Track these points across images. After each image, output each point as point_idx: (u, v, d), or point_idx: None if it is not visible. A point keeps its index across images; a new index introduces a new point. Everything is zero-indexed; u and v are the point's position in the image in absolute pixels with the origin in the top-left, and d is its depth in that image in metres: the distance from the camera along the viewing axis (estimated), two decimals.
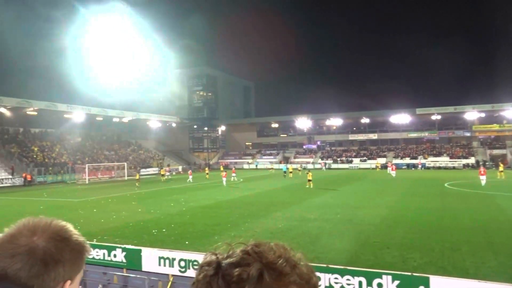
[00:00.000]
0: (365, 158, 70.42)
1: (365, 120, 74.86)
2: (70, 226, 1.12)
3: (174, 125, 78.86)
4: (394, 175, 44.77)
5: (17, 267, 0.98)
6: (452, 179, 39.51)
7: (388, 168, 51.11)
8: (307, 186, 33.49)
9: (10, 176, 44.85)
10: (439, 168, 61.92)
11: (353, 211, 20.44)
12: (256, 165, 73.43)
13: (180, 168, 68.85)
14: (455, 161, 63.93)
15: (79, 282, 1.11)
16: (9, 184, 43.36)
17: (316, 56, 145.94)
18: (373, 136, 75.84)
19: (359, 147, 76.61)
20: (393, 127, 74.99)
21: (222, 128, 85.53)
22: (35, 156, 51.23)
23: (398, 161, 67.05)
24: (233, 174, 44.20)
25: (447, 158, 65.53)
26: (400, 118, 70.86)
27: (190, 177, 44.25)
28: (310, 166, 69.25)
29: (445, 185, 34.41)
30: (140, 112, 69.45)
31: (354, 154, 73.55)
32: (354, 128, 79.98)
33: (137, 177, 42.20)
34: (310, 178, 34.74)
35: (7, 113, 51.69)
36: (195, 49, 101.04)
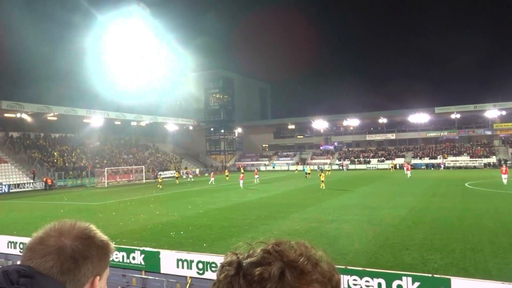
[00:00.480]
0: (383, 158, 69.58)
1: (382, 120, 73.99)
2: (93, 226, 1.20)
3: (191, 128, 79.45)
4: (409, 175, 44.62)
5: (49, 265, 1.05)
6: (473, 179, 38.68)
7: (404, 168, 50.93)
8: (321, 187, 33.53)
9: (32, 181, 45.86)
10: (459, 167, 60.72)
11: (372, 212, 20.19)
12: (273, 167, 73.23)
13: (197, 170, 69.27)
14: (476, 160, 62.60)
15: (106, 279, 1.18)
16: (30, 189, 44.34)
17: (332, 56, 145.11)
18: (391, 136, 74.88)
19: (377, 147, 75.76)
20: (411, 127, 73.92)
21: (238, 130, 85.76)
22: (55, 161, 52.28)
23: (417, 161, 66.05)
24: (256, 176, 44.27)
25: (468, 158, 64.21)
26: (419, 117, 69.80)
27: (212, 179, 45.00)
28: (327, 167, 68.89)
29: (466, 184, 33.70)
30: (157, 115, 70.17)
31: (371, 154, 72.75)
32: (372, 128, 79.18)
33: (160, 179, 43.18)
34: (323, 179, 35.04)
35: (28, 119, 52.92)
36: (212, 51, 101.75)
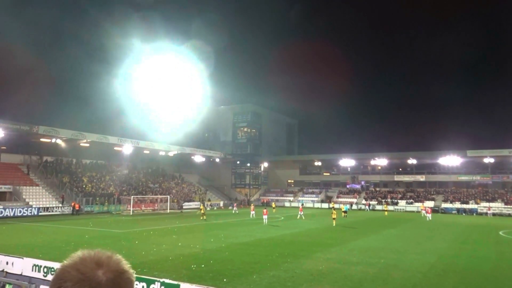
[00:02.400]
0: (411, 200, 67.58)
1: (412, 161, 72.38)
2: (125, 263, 1.20)
3: (217, 160, 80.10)
4: (429, 218, 44.61)
5: None
6: (508, 227, 36.84)
7: (423, 211, 51.39)
8: (333, 225, 34.69)
9: (60, 205, 46.88)
10: (494, 214, 58.09)
11: (399, 256, 19.43)
12: (302, 204, 70.54)
13: (221, 203, 69.17)
14: (511, 208, 59.82)
15: None
16: (58, 212, 45.27)
17: (362, 94, 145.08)
18: (421, 178, 72.94)
19: (406, 188, 73.82)
20: (442, 169, 71.90)
21: (264, 164, 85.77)
22: (84, 186, 53.48)
23: (448, 205, 63.77)
24: (300, 213, 43.52)
25: (502, 204, 61.47)
26: (450, 160, 67.94)
27: (253, 212, 44.22)
28: (354, 206, 67.43)
29: (500, 233, 32.11)
30: (185, 146, 71.29)
31: (399, 196, 70.86)
32: (400, 169, 77.48)
33: (203, 210, 42.61)
34: (334, 216, 36.02)
35: (62, 144, 54.81)
36: (241, 86, 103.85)
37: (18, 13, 71.48)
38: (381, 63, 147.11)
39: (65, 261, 1.14)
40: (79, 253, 1.15)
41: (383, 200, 68.77)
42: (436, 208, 62.27)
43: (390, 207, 64.53)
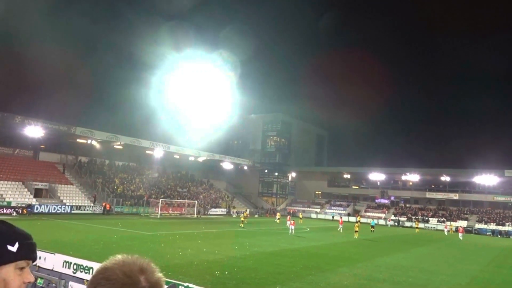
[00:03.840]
0: (443, 219, 65.35)
1: (445, 178, 70.11)
2: (156, 270, 1.19)
3: (245, 168, 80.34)
4: (461, 237, 44.24)
5: None
6: None
7: (445, 230, 52.38)
8: (355, 237, 36.06)
9: (92, 204, 48.24)
10: None
11: (428, 276, 18.79)
12: (333, 216, 68.85)
13: (247, 211, 69.24)
14: None
15: None
16: (90, 211, 46.58)
17: (395, 107, 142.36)
18: (454, 196, 70.46)
19: (438, 206, 71.49)
20: (477, 188, 69.24)
21: (292, 174, 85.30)
22: (115, 187, 54.84)
23: (482, 225, 61.28)
24: (340, 226, 43.71)
25: None
26: (486, 179, 65.35)
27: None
28: (382, 221, 65.90)
29: None
30: (214, 153, 71.99)
31: (431, 213, 68.67)
32: (433, 186, 75.15)
33: (245, 214, 43.07)
34: (357, 229, 37.56)
35: (97, 145, 56.56)
36: (273, 95, 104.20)
37: (59, 17, 74.78)
38: (416, 75, 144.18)
39: (107, 262, 1.16)
40: (120, 256, 1.17)
41: (414, 217, 66.87)
42: (470, 228, 59.97)
43: (421, 225, 62.73)
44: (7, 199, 41.01)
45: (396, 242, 35.77)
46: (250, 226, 41.60)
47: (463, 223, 61.71)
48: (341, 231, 41.91)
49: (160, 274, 1.19)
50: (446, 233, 51.75)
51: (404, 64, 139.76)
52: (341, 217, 50.13)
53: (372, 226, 45.62)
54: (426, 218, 66.48)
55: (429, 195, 72.92)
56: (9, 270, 1.27)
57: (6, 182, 43.86)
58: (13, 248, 1.27)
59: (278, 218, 50.69)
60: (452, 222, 61.75)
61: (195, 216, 53.87)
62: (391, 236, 42.80)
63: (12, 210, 38.99)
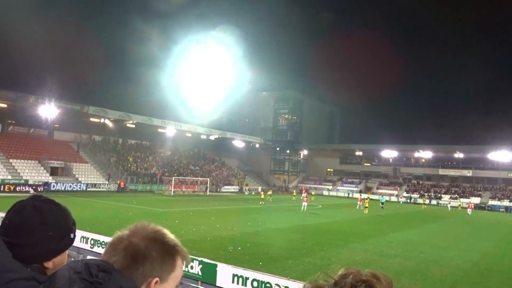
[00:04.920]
0: (456, 195, 65.04)
1: (458, 155, 69.37)
2: (165, 231, 1.25)
3: (257, 145, 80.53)
4: (470, 212, 45.75)
5: (114, 259, 1.14)
6: None
7: (448, 205, 53.97)
8: (364, 212, 37.53)
9: (107, 182, 49.11)
10: None
11: (440, 252, 18.89)
12: (348, 193, 69.51)
13: (259, 188, 69.78)
14: None
15: (173, 285, 1.20)
16: (105, 189, 47.49)
17: (408, 83, 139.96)
18: (467, 173, 69.88)
19: (450, 183, 71.07)
20: (490, 165, 68.47)
21: (304, 152, 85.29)
22: (129, 166, 55.62)
23: (495, 202, 60.90)
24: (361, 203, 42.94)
25: None
26: (500, 155, 64.49)
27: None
28: (394, 198, 65.93)
29: None
30: (226, 131, 72.20)
31: (443, 190, 68.36)
32: (446, 163, 74.53)
33: (263, 195, 43.35)
34: (366, 205, 38.87)
35: (110, 124, 57.12)
36: (284, 72, 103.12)
37: None
38: (428, 52, 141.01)
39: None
40: (128, 226, 1.23)
41: (426, 194, 66.70)
42: (483, 205, 59.73)
43: (434, 202, 62.58)
44: (24, 177, 41.98)
45: (407, 219, 35.85)
46: (266, 203, 42.06)
47: (476, 200, 61.40)
48: (361, 208, 41.89)
49: (157, 235, 1.21)
50: (449, 208, 52.89)
51: (419, 41, 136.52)
52: (360, 195, 50.46)
53: (382, 203, 45.68)
54: (439, 195, 66.23)
55: (442, 172, 72.44)
56: (64, 255, 1.34)
57: (22, 160, 44.80)
58: (72, 236, 1.36)
59: (294, 195, 51.50)
60: (464, 199, 61.52)
61: (205, 194, 54.53)
62: (402, 212, 42.87)
63: (30, 187, 39.95)
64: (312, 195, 56.45)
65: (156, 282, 1.14)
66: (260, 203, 41.30)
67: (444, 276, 14.16)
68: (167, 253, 1.18)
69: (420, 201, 62.75)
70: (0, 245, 1.21)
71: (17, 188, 39.12)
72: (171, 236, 1.24)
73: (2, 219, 1.33)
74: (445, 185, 70.37)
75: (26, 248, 1.26)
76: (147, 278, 1.13)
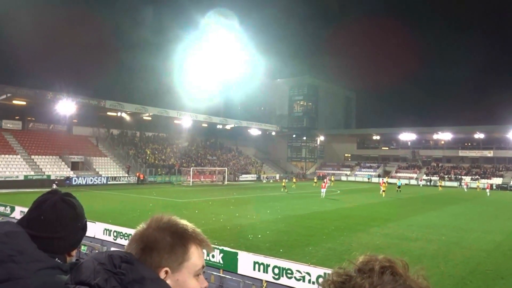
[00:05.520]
0: (477, 177, 63.89)
1: (479, 135, 67.89)
2: (179, 220, 1.23)
3: (273, 133, 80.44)
4: (488, 193, 45.55)
5: (127, 248, 1.19)
6: None
7: (464, 186, 54.14)
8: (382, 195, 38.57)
9: (126, 175, 49.91)
10: None
11: (461, 234, 18.68)
12: (369, 178, 68.79)
13: (277, 176, 69.92)
14: None
15: (188, 275, 1.18)
16: (125, 182, 48.29)
17: (424, 64, 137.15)
18: (488, 154, 68.45)
19: (471, 164, 69.79)
20: None
21: (321, 138, 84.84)
22: (147, 158, 56.34)
23: None
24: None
25: None
26: None
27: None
28: (413, 181, 65.25)
29: None
30: (241, 119, 72.26)
31: (464, 172, 67.22)
32: (466, 144, 73.11)
33: (284, 183, 44.02)
34: (384, 189, 39.59)
35: (127, 117, 57.82)
36: (298, 57, 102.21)
37: None
38: (445, 30, 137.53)
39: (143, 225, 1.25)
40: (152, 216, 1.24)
41: (446, 176, 65.73)
42: (505, 185, 58.58)
43: (454, 183, 61.62)
44: (46, 173, 42.99)
45: (428, 201, 35.43)
46: (290, 190, 42.15)
47: (498, 181, 60.25)
48: (383, 194, 41.09)
49: (178, 225, 1.22)
50: (465, 189, 52.76)
51: (435, 20, 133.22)
52: (382, 179, 49.84)
53: (398, 186, 45.25)
54: (459, 177, 65.18)
55: (462, 153, 71.15)
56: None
57: (44, 156, 45.83)
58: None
59: (315, 182, 51.86)
60: (485, 180, 60.39)
61: (225, 183, 54.91)
62: (422, 195, 42.40)
63: (53, 183, 40.92)
64: (332, 181, 56.29)
65: (166, 272, 1.14)
66: (282, 190, 41.60)
67: (466, 258, 14.02)
68: (177, 241, 1.17)
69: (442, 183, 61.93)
70: (25, 237, 1.28)
71: (40, 184, 40.13)
72: (184, 224, 1.22)
73: (27, 214, 1.39)
74: (465, 167, 69.18)
75: (59, 240, 1.36)
76: (155, 269, 1.13)
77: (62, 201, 1.43)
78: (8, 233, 1.27)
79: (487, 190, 47.39)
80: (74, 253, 1.44)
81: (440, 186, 56.37)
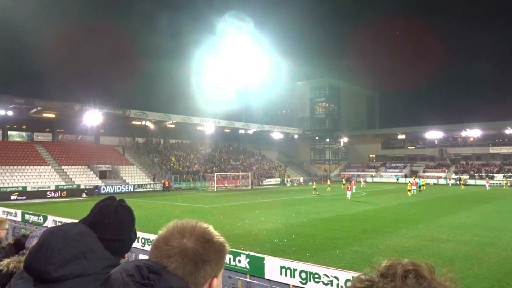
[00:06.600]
0: (510, 174, 61.72)
1: (510, 131, 65.63)
2: (211, 228, 1.27)
3: (296, 136, 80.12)
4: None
5: (174, 266, 1.14)
6: None
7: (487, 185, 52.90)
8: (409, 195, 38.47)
9: (152, 182, 50.66)
10: None
11: (495, 234, 18.03)
12: (397, 179, 67.27)
13: (301, 179, 69.51)
14: None
15: (221, 278, 1.25)
16: (151, 189, 49.02)
17: (448, 60, 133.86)
18: None
19: (503, 161, 67.48)
20: None
21: (344, 139, 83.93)
22: (172, 165, 57.05)
23: None
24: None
25: None
26: None
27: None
28: (442, 181, 63.67)
29: None
30: (263, 123, 72.31)
31: (496, 169, 65.05)
32: (496, 140, 70.80)
33: (314, 185, 44.28)
34: (409, 188, 39.84)
35: (151, 126, 58.81)
36: (319, 59, 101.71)
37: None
38: (472, 25, 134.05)
39: (160, 232, 1.24)
40: (169, 225, 1.24)
41: (477, 174, 63.78)
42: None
43: (490, 181, 59.78)
44: (76, 182, 44.10)
45: (458, 201, 34.45)
46: (322, 193, 41.84)
47: None
48: (414, 193, 40.91)
49: (208, 235, 1.22)
50: (487, 187, 51.82)
51: (457, 16, 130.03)
52: (414, 178, 48.68)
53: (420, 186, 44.37)
54: (491, 174, 63.10)
55: (492, 150, 68.92)
56: None
57: (73, 166, 47.06)
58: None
59: (329, 185, 48.92)
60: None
61: (250, 187, 54.96)
62: (452, 195, 41.27)
63: (83, 192, 41.94)
64: (361, 182, 55.33)
65: (214, 281, 1.19)
66: (313, 193, 41.53)
67: (501, 259, 13.51)
68: (219, 252, 1.22)
69: (471, 182, 60.19)
70: (94, 237, 1.42)
71: (70, 193, 41.19)
72: (217, 233, 1.27)
73: (91, 218, 1.53)
74: (497, 164, 66.96)
75: (120, 242, 1.51)
76: (207, 280, 1.18)
77: (122, 207, 1.57)
78: (81, 232, 1.41)
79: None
80: (126, 256, 1.58)
81: (463, 185, 54.83)
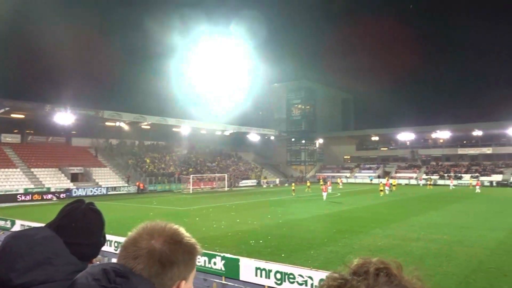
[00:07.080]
0: (477, 174, 63.86)
1: (477, 133, 67.92)
2: (182, 230, 1.25)
3: (272, 138, 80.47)
4: (478, 190, 45.38)
5: (140, 267, 1.12)
6: None
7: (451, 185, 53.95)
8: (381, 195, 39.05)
9: (126, 184, 49.79)
10: None
11: (464, 232, 18.65)
12: (371, 179, 69.04)
13: (277, 180, 69.83)
14: None
15: (192, 281, 1.23)
16: (125, 192, 48.14)
17: (420, 64, 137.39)
18: (487, 151, 68.42)
19: (470, 162, 69.79)
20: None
21: (320, 141, 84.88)
22: (147, 167, 56.26)
23: None
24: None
25: None
26: None
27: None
28: (413, 181, 65.28)
29: None
30: (240, 125, 72.30)
31: (464, 169, 67.20)
32: (465, 141, 73.14)
33: (308, 183, 47.17)
34: (381, 188, 40.82)
35: (126, 127, 57.88)
36: (295, 62, 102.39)
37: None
38: (441, 29, 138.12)
39: (129, 233, 1.23)
40: (138, 226, 1.23)
41: (446, 175, 65.70)
42: (505, 182, 58.61)
43: (455, 182, 61.64)
44: (46, 185, 42.87)
45: (428, 201, 35.41)
46: (298, 194, 42.08)
47: (498, 177, 60.26)
48: (387, 192, 42.07)
49: (177, 236, 1.20)
50: (451, 187, 53.57)
51: (431, 19, 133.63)
52: (387, 180, 49.96)
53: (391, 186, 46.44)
54: (459, 175, 65.13)
55: (461, 151, 71.21)
56: None
57: (43, 169, 45.73)
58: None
59: (308, 186, 49.37)
60: (485, 177, 60.45)
61: (226, 189, 54.82)
62: (422, 195, 42.38)
63: (53, 195, 40.81)
64: (339, 183, 57.30)
65: (182, 283, 1.17)
66: (293, 194, 42.09)
67: (469, 256, 13.99)
68: (189, 254, 1.20)
69: (441, 182, 61.93)
70: (60, 242, 1.37)
71: (40, 197, 40.00)
72: (188, 235, 1.25)
73: (58, 221, 1.46)
74: (465, 164, 69.20)
75: (88, 247, 1.45)
76: (175, 282, 1.15)
77: (90, 210, 1.52)
78: (47, 237, 1.36)
79: (477, 187, 46.80)
80: (94, 260, 1.49)
81: (430, 185, 56.74)
